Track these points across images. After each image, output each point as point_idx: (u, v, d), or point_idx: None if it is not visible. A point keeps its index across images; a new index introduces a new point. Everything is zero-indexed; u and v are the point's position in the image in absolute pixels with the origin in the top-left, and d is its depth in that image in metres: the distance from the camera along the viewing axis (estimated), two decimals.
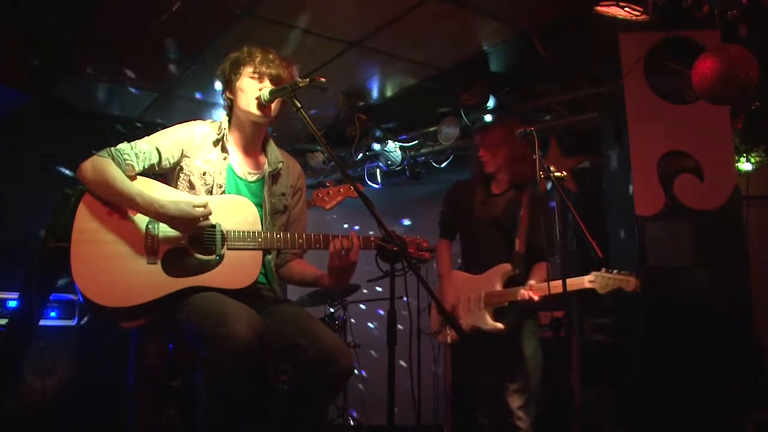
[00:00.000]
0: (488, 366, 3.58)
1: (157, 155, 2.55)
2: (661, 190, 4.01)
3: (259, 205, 2.68)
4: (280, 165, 2.78)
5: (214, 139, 2.66)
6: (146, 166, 2.53)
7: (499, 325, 3.45)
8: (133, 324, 2.60)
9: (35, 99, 4.98)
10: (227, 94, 2.71)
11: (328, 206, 2.94)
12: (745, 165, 4.75)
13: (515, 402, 3.46)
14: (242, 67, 2.64)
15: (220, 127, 2.69)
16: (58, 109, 5.42)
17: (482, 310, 3.50)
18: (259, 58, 2.62)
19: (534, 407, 3.47)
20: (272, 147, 2.81)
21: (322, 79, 2.47)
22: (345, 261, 2.51)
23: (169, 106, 5.72)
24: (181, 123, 2.71)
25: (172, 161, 2.59)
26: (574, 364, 4.25)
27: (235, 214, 2.55)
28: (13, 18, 4.06)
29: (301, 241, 2.57)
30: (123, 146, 2.50)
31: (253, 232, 2.52)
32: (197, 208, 2.40)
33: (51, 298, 4.11)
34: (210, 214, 2.44)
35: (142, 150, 2.52)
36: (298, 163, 2.94)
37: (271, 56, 2.64)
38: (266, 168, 2.74)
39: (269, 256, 2.69)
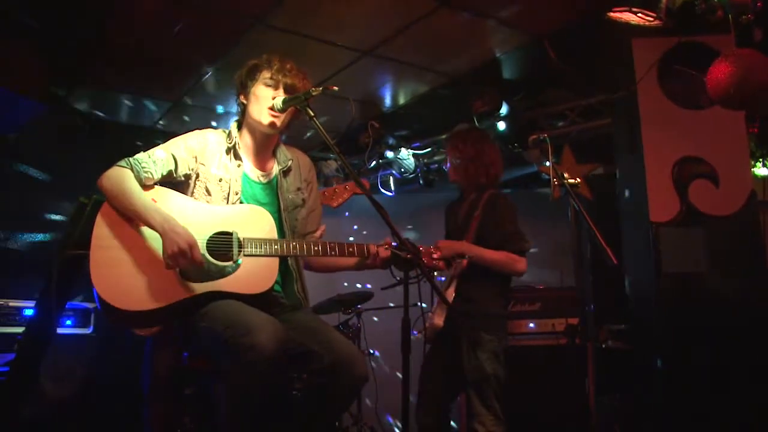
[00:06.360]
0: (437, 367, 3.56)
1: (173, 162, 2.59)
2: (675, 196, 3.98)
3: (275, 204, 2.74)
4: (290, 162, 2.84)
5: (227, 147, 2.70)
6: (164, 174, 2.57)
7: (436, 322, 3.45)
8: (147, 331, 2.62)
9: (51, 109, 5.03)
10: (241, 99, 2.75)
11: (334, 204, 2.95)
12: (761, 170, 4.71)
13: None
14: (259, 73, 2.68)
15: (230, 135, 2.73)
16: (74, 118, 5.46)
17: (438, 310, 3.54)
18: (276, 66, 2.66)
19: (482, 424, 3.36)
20: (281, 148, 2.87)
21: (335, 88, 2.49)
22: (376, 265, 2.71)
23: (182, 116, 5.76)
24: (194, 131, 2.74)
25: (188, 168, 2.63)
26: (589, 372, 4.21)
27: (252, 223, 2.58)
28: (29, 29, 4.10)
29: (317, 248, 2.60)
30: (141, 156, 2.54)
31: (269, 240, 2.55)
32: (194, 249, 2.36)
33: (66, 306, 4.13)
34: (199, 264, 2.40)
35: (160, 158, 2.56)
36: (306, 156, 2.99)
37: (288, 66, 2.68)
38: (276, 167, 2.80)
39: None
